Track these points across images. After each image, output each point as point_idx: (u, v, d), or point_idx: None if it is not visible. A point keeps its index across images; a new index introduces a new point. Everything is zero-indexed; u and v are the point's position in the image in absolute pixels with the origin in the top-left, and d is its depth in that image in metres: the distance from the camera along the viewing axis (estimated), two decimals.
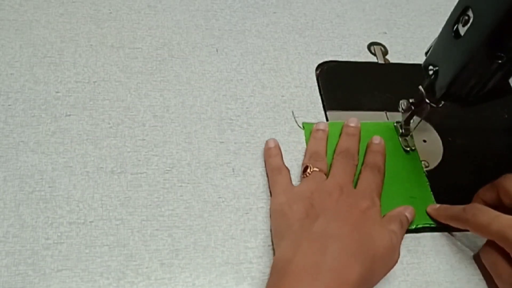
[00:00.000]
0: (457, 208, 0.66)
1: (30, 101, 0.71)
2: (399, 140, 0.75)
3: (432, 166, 0.74)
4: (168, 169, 0.68)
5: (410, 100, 0.71)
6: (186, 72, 0.78)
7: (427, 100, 0.68)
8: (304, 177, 0.69)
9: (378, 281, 0.61)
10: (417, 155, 0.75)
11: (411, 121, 0.74)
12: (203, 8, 0.87)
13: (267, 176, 0.71)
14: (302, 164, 0.71)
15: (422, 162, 0.74)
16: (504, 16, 0.54)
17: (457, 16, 0.61)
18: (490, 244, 0.63)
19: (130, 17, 0.83)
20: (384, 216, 0.66)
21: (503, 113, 0.84)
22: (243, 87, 0.78)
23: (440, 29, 0.65)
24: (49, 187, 0.64)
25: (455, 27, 0.62)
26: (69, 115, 0.71)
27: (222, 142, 0.72)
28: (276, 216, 0.66)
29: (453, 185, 0.74)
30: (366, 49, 0.87)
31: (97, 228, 0.62)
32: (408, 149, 0.74)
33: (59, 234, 0.61)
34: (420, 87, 0.68)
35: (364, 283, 0.58)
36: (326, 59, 0.84)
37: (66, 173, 0.66)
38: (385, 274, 0.62)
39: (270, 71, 0.81)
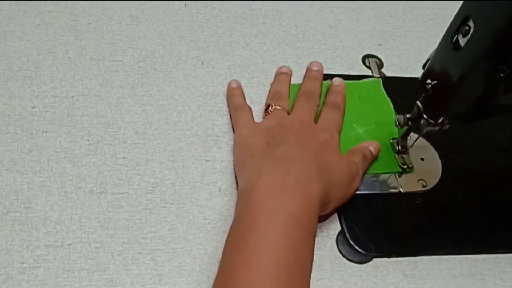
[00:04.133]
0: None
1: (4, 116, 0.72)
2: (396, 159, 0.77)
3: (430, 186, 0.75)
4: (150, 188, 0.69)
5: (407, 115, 0.72)
6: (169, 86, 0.79)
7: (425, 116, 0.69)
8: (266, 115, 0.76)
9: (336, 205, 0.69)
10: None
11: (408, 137, 0.76)
12: (187, 18, 0.88)
13: (230, 115, 0.77)
14: (265, 104, 0.78)
15: (420, 182, 0.75)
16: (506, 26, 0.55)
17: (457, 26, 0.61)
18: None
19: (110, 28, 0.84)
20: (350, 149, 0.75)
21: (505, 130, 0.85)
22: None
23: (438, 41, 0.66)
24: (25, 208, 0.65)
25: (454, 38, 0.62)
26: (46, 131, 0.71)
27: (208, 160, 0.73)
28: (239, 147, 0.73)
29: (452, 206, 0.75)
30: (361, 62, 0.88)
31: (76, 252, 0.63)
32: (405, 167, 0.76)
33: (35, 257, 0.62)
34: (418, 102, 0.69)
35: (324, 201, 0.65)
36: None
37: (43, 193, 0.66)
38: (342, 198, 0.69)
39: (258, 85, 0.82)
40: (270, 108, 0.76)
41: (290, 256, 0.57)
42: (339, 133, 0.75)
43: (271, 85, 0.82)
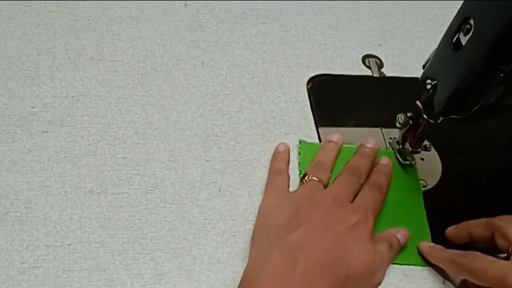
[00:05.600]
0: (454, 251, 0.66)
1: (4, 116, 0.72)
2: (397, 157, 0.76)
3: (430, 186, 0.75)
4: (150, 189, 0.69)
5: (408, 114, 0.72)
6: (169, 86, 0.79)
7: (425, 116, 0.69)
8: (301, 184, 0.71)
9: None
10: (416, 176, 0.76)
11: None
12: (187, 18, 0.88)
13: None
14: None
15: (420, 182, 0.75)
16: (506, 26, 0.55)
17: (457, 27, 0.62)
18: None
19: (110, 28, 0.84)
20: (374, 235, 0.67)
21: (505, 130, 0.85)
22: (230, 102, 0.79)
23: (438, 41, 0.66)
24: (25, 208, 0.65)
25: (454, 38, 0.62)
26: (46, 131, 0.71)
27: (208, 160, 0.73)
28: (259, 217, 0.68)
29: (451, 207, 0.75)
30: (361, 62, 0.88)
31: (76, 252, 0.63)
32: (408, 162, 0.75)
33: (35, 257, 0.62)
34: (418, 102, 0.69)
35: None
36: (318, 73, 0.85)
37: (43, 193, 0.66)
38: None
39: (258, 85, 0.82)
40: (306, 177, 0.71)
41: None
42: (376, 215, 0.68)
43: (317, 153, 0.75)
